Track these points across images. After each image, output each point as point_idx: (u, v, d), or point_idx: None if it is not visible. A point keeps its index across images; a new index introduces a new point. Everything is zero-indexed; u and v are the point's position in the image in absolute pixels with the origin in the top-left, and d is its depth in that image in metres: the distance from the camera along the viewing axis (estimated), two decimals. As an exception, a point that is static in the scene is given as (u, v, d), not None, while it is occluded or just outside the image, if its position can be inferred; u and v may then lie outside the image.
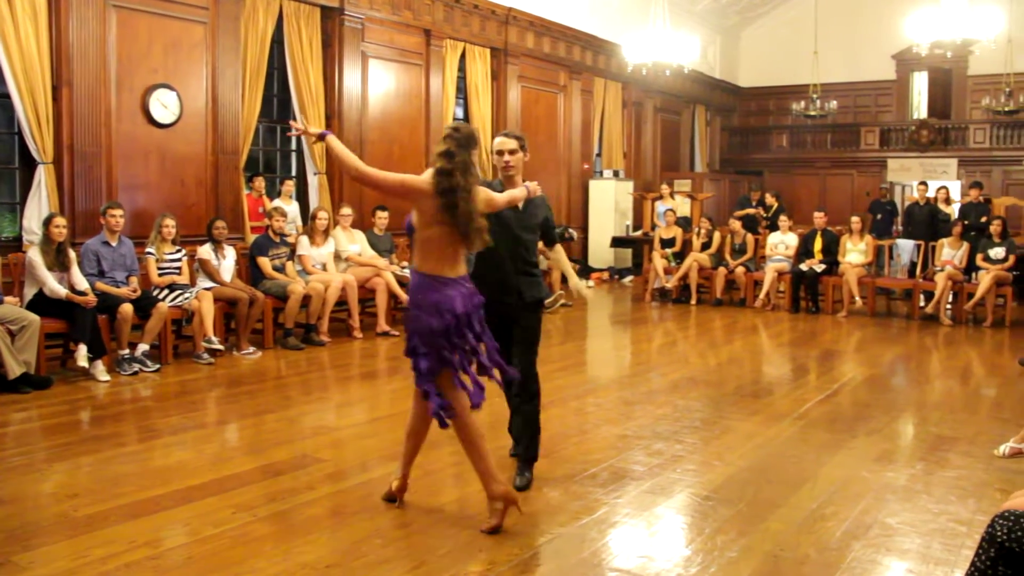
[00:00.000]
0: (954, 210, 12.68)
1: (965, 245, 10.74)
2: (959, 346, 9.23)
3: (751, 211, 13.89)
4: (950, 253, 10.79)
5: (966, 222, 11.29)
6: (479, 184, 3.90)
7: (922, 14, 12.48)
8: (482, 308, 3.93)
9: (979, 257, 10.49)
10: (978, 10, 12.10)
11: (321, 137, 3.90)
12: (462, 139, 3.80)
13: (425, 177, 3.82)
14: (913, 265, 11.44)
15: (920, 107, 20.49)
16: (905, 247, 11.59)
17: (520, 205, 4.36)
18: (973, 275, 10.56)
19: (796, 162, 20.47)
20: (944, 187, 13.20)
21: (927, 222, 12.23)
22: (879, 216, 13.82)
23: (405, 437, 4.12)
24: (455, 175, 3.73)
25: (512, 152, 4.33)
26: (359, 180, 3.85)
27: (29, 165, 8.09)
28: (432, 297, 3.79)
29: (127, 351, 7.01)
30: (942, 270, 10.58)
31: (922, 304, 10.88)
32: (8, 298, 6.68)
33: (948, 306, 10.70)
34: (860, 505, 4.21)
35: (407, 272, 9.31)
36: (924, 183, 13.22)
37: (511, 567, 3.48)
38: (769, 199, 14.13)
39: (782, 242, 11.82)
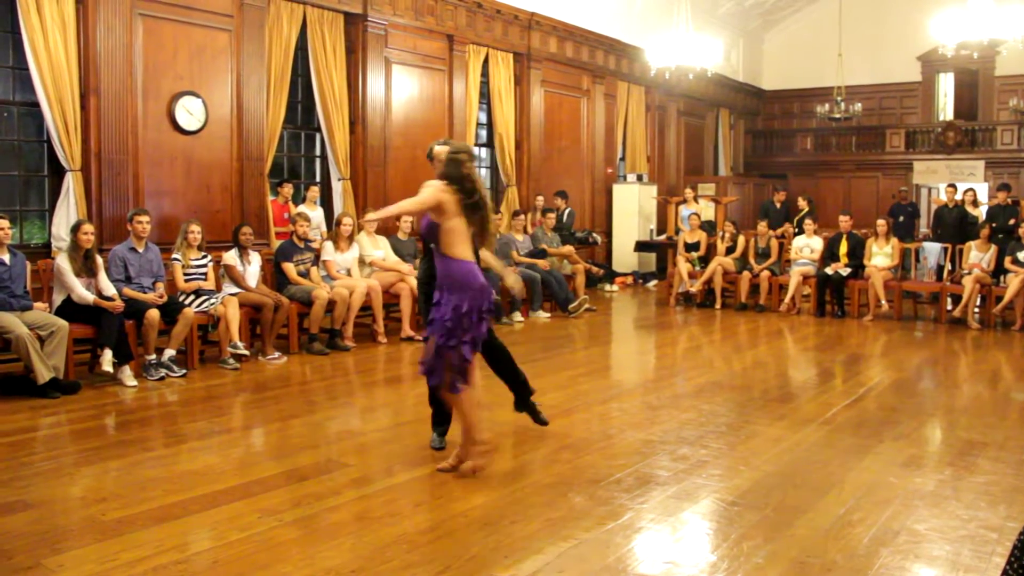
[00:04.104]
0: (982, 212, 12.54)
1: (993, 248, 10.61)
2: (987, 350, 9.12)
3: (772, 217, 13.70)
4: (978, 256, 10.66)
5: (994, 225, 11.16)
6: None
7: (948, 15, 12.36)
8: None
9: (1008, 260, 10.35)
10: (1005, 10, 11.97)
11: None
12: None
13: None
14: (940, 268, 11.32)
15: (946, 109, 20.30)
16: (932, 250, 11.47)
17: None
18: (1001, 278, 10.43)
19: (821, 165, 20.33)
20: (972, 189, 13.05)
21: (957, 225, 12.10)
22: (900, 218, 13.68)
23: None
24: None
25: None
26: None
27: (57, 172, 8.19)
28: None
29: (154, 356, 7.07)
30: (970, 273, 10.46)
31: (950, 308, 10.75)
32: (37, 304, 6.76)
33: (976, 310, 10.57)
34: (888, 511, 4.16)
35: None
36: (953, 185, 13.08)
37: (536, 572, 3.47)
38: (801, 202, 13.88)
39: (807, 246, 11.74)
